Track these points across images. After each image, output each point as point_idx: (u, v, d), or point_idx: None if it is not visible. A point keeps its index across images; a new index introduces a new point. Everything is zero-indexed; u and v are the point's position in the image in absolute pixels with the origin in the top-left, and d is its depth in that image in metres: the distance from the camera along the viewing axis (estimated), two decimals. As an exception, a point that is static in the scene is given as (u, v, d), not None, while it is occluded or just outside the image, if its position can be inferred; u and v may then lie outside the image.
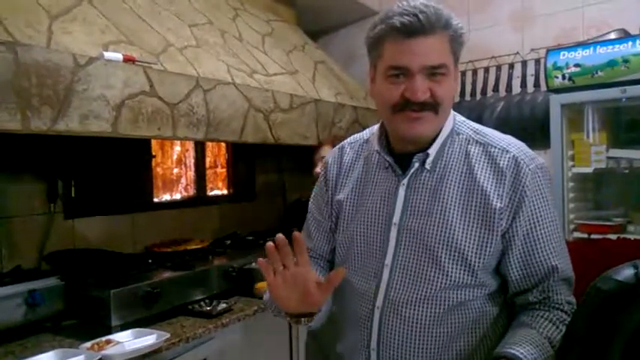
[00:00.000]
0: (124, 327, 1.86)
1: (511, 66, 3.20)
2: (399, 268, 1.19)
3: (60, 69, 1.57)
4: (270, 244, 1.05)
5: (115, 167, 2.54)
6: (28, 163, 2.20)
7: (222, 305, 2.15)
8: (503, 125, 3.01)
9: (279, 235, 1.05)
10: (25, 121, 1.49)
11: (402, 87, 1.12)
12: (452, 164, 1.19)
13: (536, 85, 3.07)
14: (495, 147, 1.18)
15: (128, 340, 1.76)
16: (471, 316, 1.17)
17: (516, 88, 3.17)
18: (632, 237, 2.38)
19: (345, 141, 1.42)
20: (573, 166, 2.57)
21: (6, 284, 1.84)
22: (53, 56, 1.56)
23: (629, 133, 2.53)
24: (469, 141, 1.21)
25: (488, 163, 1.17)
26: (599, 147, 2.49)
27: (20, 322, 1.84)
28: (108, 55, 1.73)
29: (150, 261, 2.27)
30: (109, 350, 1.66)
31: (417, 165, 1.20)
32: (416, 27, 1.09)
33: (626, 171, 2.45)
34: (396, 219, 1.21)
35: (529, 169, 1.15)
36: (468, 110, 3.18)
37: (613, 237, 2.40)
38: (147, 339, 1.76)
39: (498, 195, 1.14)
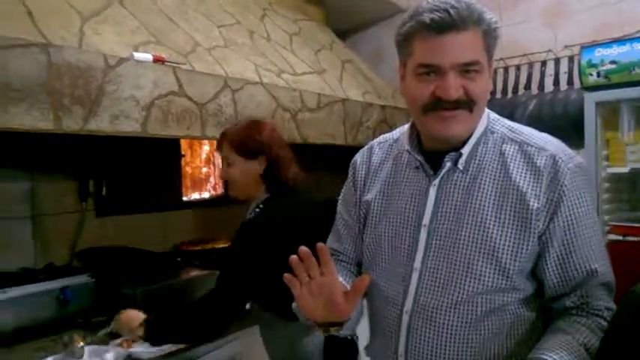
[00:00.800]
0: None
1: (543, 63, 3.12)
2: (428, 272, 1.15)
3: (91, 69, 1.60)
4: (294, 256, 1.03)
5: (145, 166, 2.57)
6: (60, 162, 2.24)
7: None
8: (536, 124, 2.87)
9: (303, 248, 1.03)
10: (57, 121, 1.52)
11: (433, 85, 1.09)
12: (486, 164, 1.15)
13: (570, 82, 2.99)
14: (532, 145, 1.13)
15: (157, 337, 1.78)
16: (505, 322, 1.12)
17: (549, 86, 3.10)
18: (671, 239, 2.29)
19: (374, 140, 1.39)
20: (608, 165, 2.49)
21: (39, 281, 1.87)
22: (84, 57, 1.58)
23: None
24: (504, 139, 1.16)
25: (524, 162, 1.12)
26: (635, 146, 2.41)
27: (52, 317, 1.87)
28: (138, 55, 1.75)
29: (178, 259, 2.29)
30: (137, 348, 1.68)
31: (448, 165, 1.16)
32: (447, 23, 1.04)
33: (665, 171, 2.37)
34: (426, 220, 1.17)
35: (567, 168, 1.09)
36: (499, 108, 3.09)
37: (650, 239, 2.32)
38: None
39: (535, 195, 1.09)
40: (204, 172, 3.04)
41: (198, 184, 3.00)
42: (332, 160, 3.68)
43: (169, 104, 1.85)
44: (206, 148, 3.04)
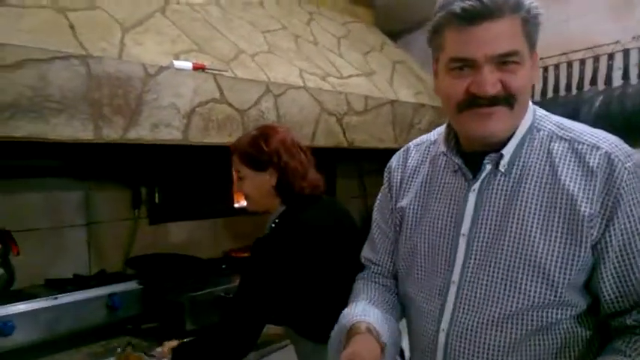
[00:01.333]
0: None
1: (611, 56, 2.90)
2: (467, 286, 1.06)
3: (130, 79, 1.62)
4: None
5: (196, 174, 2.60)
6: (114, 171, 2.30)
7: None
8: (604, 121, 2.75)
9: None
10: (97, 131, 1.54)
11: (467, 81, 0.98)
12: (531, 165, 1.04)
13: (641, 75, 2.77)
14: (583, 143, 1.01)
15: (200, 344, 1.77)
16: (555, 342, 1.01)
17: (617, 80, 2.88)
18: None
19: (411, 142, 1.30)
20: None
21: (89, 287, 1.92)
22: (124, 67, 1.61)
23: None
24: (552, 137, 1.05)
25: (575, 161, 1.00)
26: None
27: (102, 323, 1.92)
28: (177, 63, 1.76)
29: (224, 266, 2.29)
30: (179, 355, 1.68)
31: (489, 167, 1.06)
32: (479, 11, 0.94)
33: None
34: (464, 229, 1.08)
35: (625, 168, 0.97)
36: (563, 107, 2.94)
37: None
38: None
39: (588, 199, 0.97)
40: (255, 179, 3.04)
41: (250, 190, 3.00)
42: (385, 165, 3.62)
43: (210, 111, 1.85)
44: (257, 154, 3.04)
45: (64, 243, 2.17)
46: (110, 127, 1.57)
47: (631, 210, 0.97)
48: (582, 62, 3.03)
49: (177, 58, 1.82)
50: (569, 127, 1.07)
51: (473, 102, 0.99)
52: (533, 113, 1.10)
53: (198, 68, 1.82)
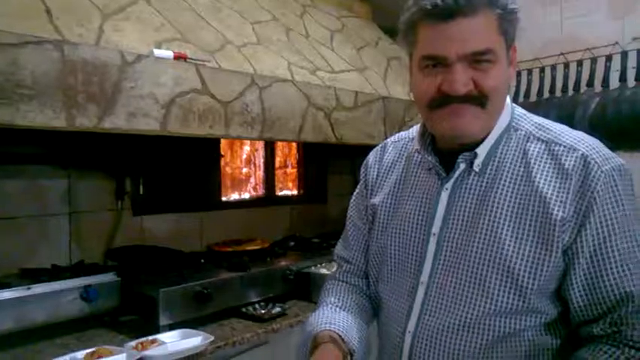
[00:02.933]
0: (173, 327, 1.85)
1: (608, 58, 2.84)
2: (435, 287, 1.03)
3: (107, 66, 1.58)
4: None
5: (183, 166, 2.57)
6: (97, 160, 2.27)
7: (277, 309, 2.09)
8: (599, 124, 2.69)
9: None
10: (70, 119, 1.50)
11: (439, 79, 0.95)
12: (506, 165, 1.01)
13: (638, 78, 2.71)
14: (561, 144, 0.98)
15: (173, 340, 1.74)
16: (522, 350, 0.98)
17: (614, 83, 2.81)
18: None
19: (389, 139, 1.27)
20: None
21: (65, 278, 1.89)
22: (100, 54, 1.57)
23: None
24: (529, 138, 1.01)
25: (550, 163, 0.97)
26: None
27: (77, 315, 1.88)
28: (158, 52, 1.72)
29: (202, 260, 2.25)
30: (150, 351, 1.65)
31: (462, 166, 1.03)
32: (451, 7, 0.90)
33: None
34: (435, 229, 1.05)
35: (601, 172, 0.93)
36: (559, 108, 2.89)
37: None
38: (191, 341, 1.73)
39: (561, 202, 0.93)
40: (244, 173, 3.01)
41: (238, 184, 2.98)
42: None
43: (191, 102, 1.80)
44: (247, 148, 3.01)
45: (45, 232, 2.14)
46: (84, 115, 1.53)
47: (604, 215, 0.93)
48: (579, 63, 2.97)
49: (159, 46, 1.78)
50: (548, 127, 1.04)
51: (444, 101, 0.96)
52: (512, 112, 1.06)
53: (179, 58, 1.78)
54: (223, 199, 2.86)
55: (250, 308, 2.09)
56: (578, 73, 2.96)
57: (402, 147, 1.21)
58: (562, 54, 2.99)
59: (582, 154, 0.96)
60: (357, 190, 1.30)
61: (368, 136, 2.50)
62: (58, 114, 1.48)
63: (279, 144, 3.14)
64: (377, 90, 2.61)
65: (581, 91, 2.94)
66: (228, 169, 2.92)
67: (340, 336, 1.04)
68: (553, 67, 3.04)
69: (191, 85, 1.81)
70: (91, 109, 1.55)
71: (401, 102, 2.71)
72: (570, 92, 3.00)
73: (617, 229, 0.93)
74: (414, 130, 1.21)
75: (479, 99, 0.95)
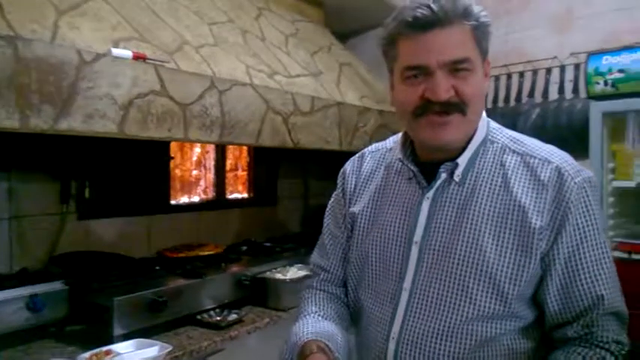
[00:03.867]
0: (127, 336, 1.77)
1: (548, 71, 3.01)
2: (419, 293, 1.06)
3: (63, 65, 1.50)
4: None
5: (131, 168, 2.48)
6: (41, 161, 2.15)
7: (233, 316, 2.05)
8: (539, 134, 2.80)
9: None
10: (24, 120, 1.42)
11: (421, 88, 1.00)
12: (484, 176, 1.05)
13: (575, 91, 2.88)
14: (535, 157, 1.03)
15: (129, 351, 1.67)
16: (502, 353, 1.02)
17: (553, 95, 2.98)
18: (678, 258, 2.18)
19: (367, 149, 1.30)
20: (614, 179, 2.38)
21: (10, 287, 1.77)
22: (57, 52, 1.48)
23: (678, 146, 2.34)
24: (505, 150, 1.07)
25: (526, 175, 1.02)
26: (643, 159, 2.30)
27: (23, 326, 1.76)
28: (116, 52, 1.65)
29: (157, 267, 2.18)
30: (107, 363, 1.58)
31: (444, 176, 1.07)
32: (430, 19, 0.97)
33: (674, 186, 2.26)
34: (417, 237, 1.08)
35: (574, 183, 0.99)
36: (501, 117, 3.01)
37: (656, 258, 2.21)
38: (148, 351, 1.67)
39: (538, 212, 0.99)
40: (194, 175, 2.95)
41: (188, 187, 2.91)
42: (329, 166, 3.59)
43: (149, 104, 1.74)
44: (197, 150, 2.95)
45: (-17, 238, 2.00)
46: (39, 116, 1.44)
47: (578, 224, 0.99)
48: (521, 75, 3.12)
49: (116, 45, 1.71)
50: (521, 140, 1.09)
51: (427, 108, 1.01)
52: (488, 125, 1.12)
53: (138, 58, 1.71)
54: (172, 202, 2.78)
55: (205, 315, 2.05)
56: (520, 85, 3.11)
57: (381, 157, 1.24)
58: (505, 65, 3.13)
59: (556, 167, 1.01)
60: (333, 199, 1.31)
61: (323, 141, 2.51)
62: (11, 114, 1.39)
63: (230, 146, 3.10)
64: (332, 95, 2.63)
65: (523, 101, 3.09)
66: (177, 172, 2.84)
67: (327, 345, 1.04)
68: (497, 78, 3.17)
69: (150, 87, 1.75)
70: (46, 110, 1.46)
71: (354, 108, 2.73)
72: (512, 102, 3.16)
73: (589, 236, 1.00)
74: (392, 141, 1.26)
75: (459, 106, 1.00)
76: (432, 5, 0.97)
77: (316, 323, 1.13)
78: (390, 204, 1.15)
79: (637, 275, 2.03)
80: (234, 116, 2.05)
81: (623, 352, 0.99)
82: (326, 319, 1.16)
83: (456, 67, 0.98)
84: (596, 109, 2.37)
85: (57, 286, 1.87)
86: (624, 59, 2.26)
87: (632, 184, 2.32)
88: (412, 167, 1.11)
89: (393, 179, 1.17)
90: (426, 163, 1.10)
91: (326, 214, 1.32)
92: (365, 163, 1.26)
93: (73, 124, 1.53)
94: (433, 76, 0.98)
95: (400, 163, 1.15)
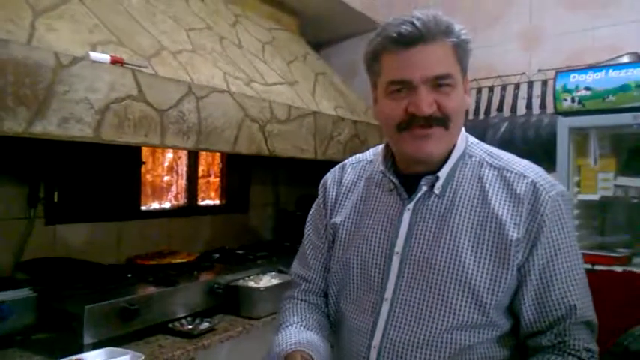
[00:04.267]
0: (97, 345, 1.73)
1: (517, 86, 3.10)
2: (400, 303, 1.08)
3: (40, 68, 1.47)
4: None
5: (102, 172, 2.43)
6: (9, 164, 2.09)
7: (205, 324, 2.03)
8: (507, 147, 2.84)
9: None
10: (-2, 122, 1.38)
11: (405, 102, 1.03)
12: (463, 189, 1.09)
13: (543, 106, 2.97)
14: (511, 171, 1.07)
15: (100, 360, 1.64)
16: None
17: (521, 109, 3.07)
18: (638, 270, 2.26)
19: (348, 160, 1.32)
20: (579, 192, 2.46)
21: (-26, 294, 1.72)
22: (34, 54, 1.45)
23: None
24: (482, 164, 1.10)
25: (503, 188, 1.06)
26: (607, 174, 2.39)
27: (-13, 335, 1.72)
28: (94, 55, 1.63)
29: (129, 275, 2.14)
30: (78, 372, 1.54)
31: (424, 189, 1.09)
32: (413, 35, 1.00)
33: (635, 200, 2.35)
34: (398, 248, 1.10)
35: (549, 197, 1.03)
36: (471, 130, 3.00)
37: (618, 269, 2.29)
38: (122, 359, 1.64)
39: (515, 224, 1.03)
40: (165, 181, 2.91)
41: (159, 193, 2.87)
42: (301, 174, 3.60)
43: (126, 109, 1.72)
44: (169, 155, 2.91)
45: (-55, 242, 1.93)
46: (14, 118, 1.41)
47: (552, 236, 1.03)
48: (491, 89, 3.21)
49: (94, 49, 1.68)
50: (498, 155, 1.13)
51: (411, 122, 1.03)
52: (466, 140, 1.15)
53: (116, 62, 1.69)
54: (143, 208, 2.74)
55: (177, 324, 2.02)
56: (490, 99, 3.19)
57: (362, 169, 1.27)
58: (475, 79, 3.21)
59: (532, 181, 1.05)
60: (314, 210, 1.33)
61: (299, 150, 2.52)
62: (-15, 116, 1.35)
63: (203, 153, 3.07)
64: (307, 104, 2.64)
65: (492, 115, 3.17)
66: (149, 177, 2.80)
67: (311, 355, 1.05)
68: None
69: (127, 91, 1.73)
70: (21, 113, 1.43)
71: (329, 117, 2.75)
72: (482, 116, 3.23)
73: (562, 248, 1.04)
74: (371, 153, 1.28)
75: (442, 120, 1.03)
76: (416, 22, 1.00)
77: (299, 333, 1.13)
78: (371, 215, 1.17)
79: (600, 285, 2.10)
80: (210, 123, 2.04)
81: (593, 359, 1.03)
82: (308, 329, 1.17)
83: (438, 83, 1.02)
84: (563, 124, 2.45)
85: (24, 292, 1.82)
86: (590, 77, 2.35)
87: (596, 197, 2.40)
88: (394, 179, 1.13)
89: (374, 191, 1.19)
90: (407, 176, 1.13)
91: (306, 224, 1.33)
92: (346, 175, 1.27)
93: (49, 127, 1.50)
94: (416, 90, 1.01)
95: (382, 175, 1.17)
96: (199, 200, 3.10)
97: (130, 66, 1.74)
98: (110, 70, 1.67)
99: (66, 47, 1.59)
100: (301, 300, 1.27)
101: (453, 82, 1.03)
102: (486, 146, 1.16)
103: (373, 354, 1.08)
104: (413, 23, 1.00)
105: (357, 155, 1.31)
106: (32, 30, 1.52)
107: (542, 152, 2.71)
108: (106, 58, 1.66)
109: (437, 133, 1.04)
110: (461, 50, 1.05)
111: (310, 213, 1.33)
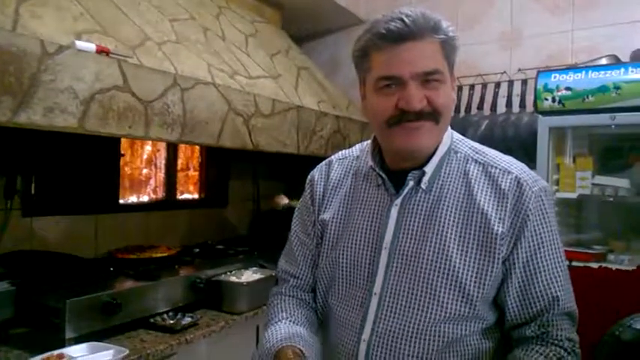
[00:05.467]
0: (78, 340, 1.70)
1: (497, 85, 3.15)
2: (388, 297, 1.09)
3: (25, 56, 1.42)
4: None
5: (80, 164, 2.38)
6: (-16, 154, 2.03)
7: (187, 319, 2.01)
8: (487, 144, 2.90)
9: None
10: (-19, 111, 1.34)
11: (395, 98, 1.04)
12: (449, 184, 1.10)
13: (522, 105, 3.02)
14: (496, 167, 1.09)
15: (82, 355, 1.61)
16: (467, 353, 1.07)
17: (501, 108, 3.12)
18: (613, 267, 2.33)
19: (334, 156, 1.32)
20: (558, 190, 2.52)
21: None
22: (18, 41, 1.41)
23: (616, 160, 2.50)
24: (467, 160, 1.12)
25: (488, 184, 1.08)
26: (585, 173, 2.44)
27: (-37, 330, 1.67)
28: (80, 44, 1.59)
29: (112, 269, 2.11)
30: (61, 367, 1.51)
31: (411, 184, 1.10)
32: (403, 32, 1.01)
33: (611, 199, 2.41)
34: (386, 242, 1.11)
35: (532, 192, 1.06)
36: (451, 126, 3.10)
37: (594, 265, 2.35)
38: (103, 354, 1.61)
39: (500, 219, 1.05)
40: (144, 174, 2.87)
41: (137, 186, 2.82)
42: (281, 168, 3.59)
43: (111, 100, 1.69)
44: (148, 148, 2.87)
45: None
46: (-3, 107, 1.37)
47: (535, 230, 1.05)
48: (472, 87, 3.25)
49: (78, 37, 1.64)
50: (482, 151, 1.15)
51: (402, 117, 1.04)
52: (452, 136, 1.17)
53: (102, 51, 1.65)
54: (121, 201, 2.70)
55: (159, 319, 1.99)
56: (470, 97, 3.23)
57: (348, 164, 1.27)
58: (457, 78, 3.23)
59: (516, 177, 1.07)
60: (300, 206, 1.32)
61: (282, 144, 2.51)
62: (-33, 105, 1.31)
63: (182, 145, 3.03)
64: (290, 98, 2.63)
65: (472, 112, 3.21)
66: (127, 170, 2.76)
67: (302, 351, 1.05)
68: (448, 89, 3.27)
69: (112, 82, 1.69)
70: (5, 102, 1.39)
71: (312, 112, 2.75)
72: (462, 113, 3.27)
73: (546, 241, 1.06)
74: (357, 149, 1.28)
75: (432, 115, 1.04)
76: (405, 19, 1.01)
77: (289, 329, 1.13)
78: (359, 210, 1.17)
79: (576, 281, 2.15)
80: (195, 115, 2.01)
81: (575, 348, 1.06)
82: (297, 324, 1.17)
83: (427, 79, 1.02)
84: (544, 123, 2.50)
85: (2, 286, 1.77)
86: (571, 78, 2.39)
87: (574, 195, 2.45)
88: (382, 174, 1.14)
89: (361, 186, 1.20)
90: (394, 172, 1.14)
91: (293, 220, 1.33)
92: (333, 171, 1.27)
93: (33, 117, 1.46)
94: (406, 86, 1.02)
95: (370, 170, 1.17)
96: (178, 194, 3.06)
97: (115, 56, 1.70)
98: (96, 60, 1.63)
99: (50, 35, 1.55)
100: (289, 296, 1.27)
101: (442, 78, 1.04)
102: (471, 142, 1.18)
103: (363, 347, 1.09)
104: (402, 20, 1.01)
105: (343, 151, 1.31)
106: (16, 16, 1.48)
107: (522, 150, 2.75)
108: (91, 47, 1.62)
109: (427, 126, 1.05)
110: (449, 47, 1.06)
111: (297, 209, 1.32)
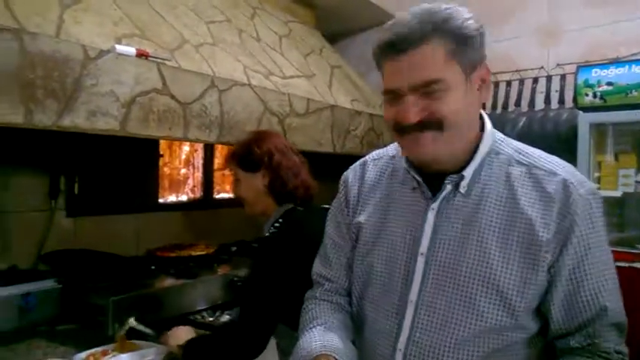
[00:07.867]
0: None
1: (535, 80, 3.08)
2: (425, 306, 1.05)
3: (69, 61, 1.47)
4: None
5: (120, 165, 2.44)
6: (30, 156, 2.10)
7: (225, 317, 2.04)
8: (525, 142, 2.88)
9: None
10: (28, 115, 1.38)
11: (394, 110, 1.02)
12: (490, 188, 1.04)
13: (561, 101, 2.95)
14: (541, 169, 1.03)
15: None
16: None
17: (540, 104, 3.05)
18: (658, 267, 2.26)
19: (368, 156, 1.28)
20: (599, 188, 2.45)
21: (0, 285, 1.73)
22: (62, 47, 1.46)
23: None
24: (510, 161, 1.06)
25: (532, 187, 1.02)
26: (628, 170, 2.37)
27: (13, 326, 1.73)
28: (120, 48, 1.63)
29: (153, 267, 2.16)
30: (106, 364, 1.55)
31: (449, 187, 1.06)
32: (404, 39, 0.97)
33: (656, 197, 2.34)
34: (423, 248, 1.07)
35: (579, 195, 0.99)
36: (488, 124, 3.07)
37: (639, 266, 2.28)
38: (146, 352, 1.65)
39: (545, 224, 0.98)
40: (182, 174, 2.92)
41: (176, 186, 2.88)
42: (318, 167, 3.59)
43: (151, 102, 1.72)
44: (186, 148, 2.92)
45: (-32, 234, 1.95)
46: (43, 111, 1.41)
47: (582, 236, 0.99)
48: (509, 84, 3.19)
49: (118, 42, 1.68)
50: (526, 152, 1.09)
51: (401, 129, 1.03)
52: (493, 137, 1.11)
53: (141, 55, 1.69)
54: (160, 200, 2.75)
55: (198, 316, 2.03)
56: (507, 93, 3.17)
57: (383, 165, 1.23)
58: (493, 74, 3.17)
59: (562, 179, 1.01)
60: (334, 207, 1.29)
61: (317, 144, 2.52)
62: (16, 110, 1.36)
63: (219, 145, 3.07)
64: (324, 98, 2.64)
65: (510, 109, 3.15)
66: (166, 170, 2.81)
67: (337, 359, 1.04)
68: (484, 86, 3.22)
69: (152, 85, 1.73)
70: (50, 106, 1.43)
71: (346, 111, 2.75)
72: (499, 110, 3.21)
73: (594, 248, 1.00)
74: (393, 148, 1.24)
75: (435, 124, 0.99)
76: (407, 24, 0.97)
77: (323, 336, 1.11)
78: (395, 214, 1.14)
79: (620, 282, 2.09)
80: (233, 116, 2.04)
81: None
82: (332, 330, 1.14)
83: (427, 91, 0.98)
84: (585, 120, 2.44)
85: (49, 284, 1.83)
86: (612, 72, 2.33)
87: (617, 193, 2.39)
88: (417, 176, 1.10)
89: (397, 188, 1.16)
90: (430, 174, 1.09)
91: (327, 223, 1.30)
92: (368, 172, 1.24)
93: (77, 120, 1.51)
94: (403, 99, 0.99)
95: (405, 172, 1.14)
96: (215, 193, 3.10)
97: (154, 59, 1.74)
98: (135, 63, 1.67)
99: (92, 40, 1.59)
100: (324, 300, 1.24)
101: (445, 86, 0.97)
102: (515, 142, 1.12)
103: (399, 357, 1.06)
104: (402, 27, 0.97)
105: (378, 151, 1.27)
106: (60, 22, 1.52)
107: (561, 148, 2.68)
108: (131, 51, 1.66)
109: (429, 136, 1.00)
110: (460, 48, 0.98)
111: (331, 211, 1.29)
